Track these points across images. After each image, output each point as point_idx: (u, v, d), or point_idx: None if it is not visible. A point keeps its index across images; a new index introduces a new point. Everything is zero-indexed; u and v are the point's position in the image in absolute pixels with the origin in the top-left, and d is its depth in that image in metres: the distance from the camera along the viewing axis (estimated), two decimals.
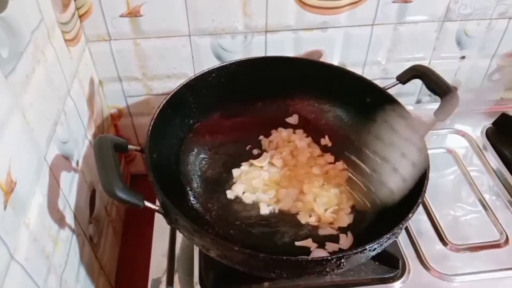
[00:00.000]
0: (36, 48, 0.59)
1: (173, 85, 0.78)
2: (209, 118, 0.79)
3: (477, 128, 0.92)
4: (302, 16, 0.82)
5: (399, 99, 0.72)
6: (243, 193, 0.72)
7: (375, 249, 0.55)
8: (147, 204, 0.54)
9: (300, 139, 0.80)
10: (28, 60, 0.56)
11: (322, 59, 0.88)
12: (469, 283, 0.68)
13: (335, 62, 0.90)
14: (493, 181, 0.83)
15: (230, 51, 0.85)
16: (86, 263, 0.73)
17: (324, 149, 0.80)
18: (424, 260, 0.70)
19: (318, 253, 0.62)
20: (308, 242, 0.65)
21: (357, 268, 0.66)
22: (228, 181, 0.74)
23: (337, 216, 0.69)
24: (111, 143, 0.56)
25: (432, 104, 0.98)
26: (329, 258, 0.51)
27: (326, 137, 0.81)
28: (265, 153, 0.78)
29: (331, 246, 0.65)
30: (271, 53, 0.86)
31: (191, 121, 0.77)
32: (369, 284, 0.66)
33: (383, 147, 0.75)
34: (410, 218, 0.56)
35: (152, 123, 0.65)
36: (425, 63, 0.91)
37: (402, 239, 0.72)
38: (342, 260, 0.52)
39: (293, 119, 0.83)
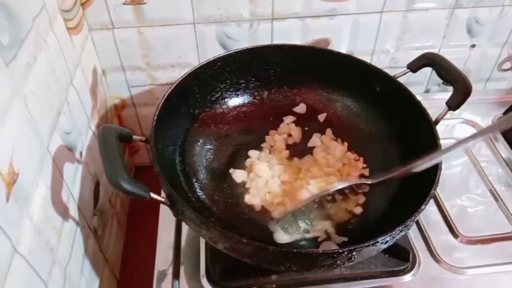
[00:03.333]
0: (37, 35, 0.57)
1: (177, 74, 0.76)
2: (215, 108, 0.78)
3: (487, 118, 0.91)
4: (310, 3, 0.80)
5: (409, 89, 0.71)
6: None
7: (387, 241, 0.53)
8: (153, 195, 0.53)
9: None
10: (30, 47, 0.55)
11: (329, 48, 0.87)
12: (480, 276, 0.67)
13: (343, 50, 0.88)
14: (504, 172, 0.81)
15: (235, 39, 0.83)
16: (91, 255, 0.72)
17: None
18: (434, 252, 0.69)
19: (327, 245, 0.61)
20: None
21: (367, 261, 0.65)
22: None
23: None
24: (116, 133, 0.55)
25: (441, 94, 0.97)
26: (340, 251, 0.50)
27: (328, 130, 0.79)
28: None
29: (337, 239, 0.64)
30: (278, 41, 0.84)
31: (197, 111, 0.76)
32: (379, 277, 0.65)
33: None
34: (422, 210, 0.54)
35: (157, 113, 0.63)
36: (434, 51, 0.88)
37: (412, 232, 0.71)
38: (353, 253, 0.51)
39: (300, 109, 0.81)
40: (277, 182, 0.70)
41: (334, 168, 0.73)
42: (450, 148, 0.58)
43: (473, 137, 0.56)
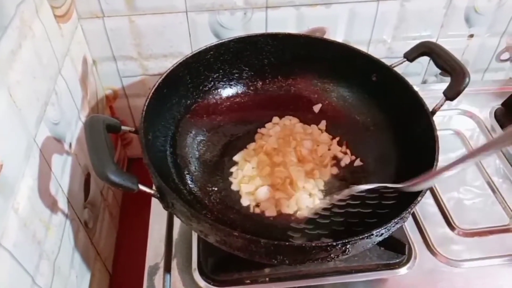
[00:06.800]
0: (22, 22, 0.55)
1: (170, 64, 0.74)
2: (207, 98, 0.76)
3: (485, 109, 0.89)
4: None
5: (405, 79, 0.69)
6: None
7: (382, 234, 0.52)
8: (142, 187, 0.51)
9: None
10: (14, 35, 0.53)
11: (325, 37, 0.85)
12: (476, 268, 0.66)
13: (339, 40, 0.86)
14: (502, 164, 0.80)
15: (228, 28, 0.82)
16: (81, 248, 0.70)
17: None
18: (430, 245, 0.68)
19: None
20: None
21: (362, 253, 0.64)
22: (227, 164, 0.71)
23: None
24: (103, 124, 0.53)
25: (439, 85, 0.95)
26: (334, 243, 0.49)
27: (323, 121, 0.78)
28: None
29: None
30: (272, 30, 0.82)
31: (188, 101, 0.74)
32: (374, 270, 0.64)
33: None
34: (419, 202, 0.53)
35: (147, 103, 0.62)
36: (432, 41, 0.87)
37: (408, 224, 0.70)
38: (348, 246, 0.50)
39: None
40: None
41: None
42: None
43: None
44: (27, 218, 0.53)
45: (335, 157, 0.73)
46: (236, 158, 0.72)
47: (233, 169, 0.71)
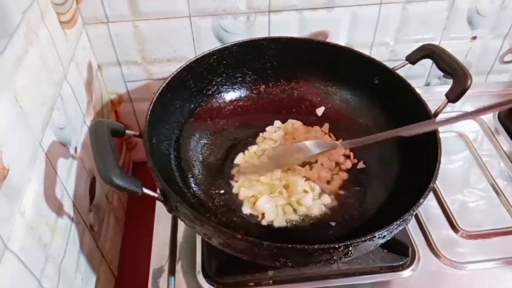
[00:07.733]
0: (28, 29, 0.56)
1: (174, 68, 0.75)
2: (211, 102, 0.77)
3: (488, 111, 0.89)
4: None
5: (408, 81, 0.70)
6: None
7: (384, 236, 0.52)
8: (146, 191, 0.52)
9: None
10: (20, 41, 0.54)
11: (328, 40, 0.85)
12: (480, 271, 0.66)
13: (342, 43, 0.86)
14: (506, 166, 0.80)
15: (232, 32, 0.82)
16: (87, 252, 0.71)
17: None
18: (434, 247, 0.68)
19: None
20: None
21: (365, 256, 0.64)
22: (231, 168, 0.72)
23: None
24: (108, 128, 0.54)
25: (442, 87, 0.95)
26: (336, 246, 0.49)
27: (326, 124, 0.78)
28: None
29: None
30: (275, 34, 0.83)
31: (192, 105, 0.75)
32: (377, 273, 0.64)
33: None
34: (421, 204, 0.53)
35: (151, 107, 0.62)
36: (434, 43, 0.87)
37: (411, 226, 0.70)
38: (350, 248, 0.50)
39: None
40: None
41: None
42: (444, 121, 0.60)
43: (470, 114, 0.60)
44: (33, 222, 0.53)
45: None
46: (237, 160, 0.72)
47: (234, 171, 0.71)
